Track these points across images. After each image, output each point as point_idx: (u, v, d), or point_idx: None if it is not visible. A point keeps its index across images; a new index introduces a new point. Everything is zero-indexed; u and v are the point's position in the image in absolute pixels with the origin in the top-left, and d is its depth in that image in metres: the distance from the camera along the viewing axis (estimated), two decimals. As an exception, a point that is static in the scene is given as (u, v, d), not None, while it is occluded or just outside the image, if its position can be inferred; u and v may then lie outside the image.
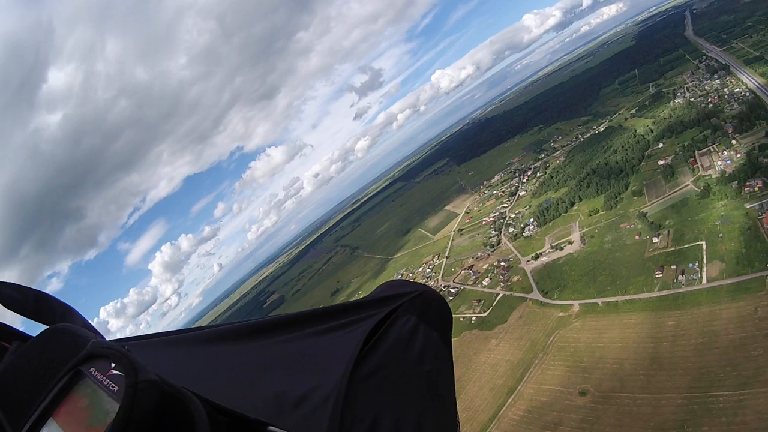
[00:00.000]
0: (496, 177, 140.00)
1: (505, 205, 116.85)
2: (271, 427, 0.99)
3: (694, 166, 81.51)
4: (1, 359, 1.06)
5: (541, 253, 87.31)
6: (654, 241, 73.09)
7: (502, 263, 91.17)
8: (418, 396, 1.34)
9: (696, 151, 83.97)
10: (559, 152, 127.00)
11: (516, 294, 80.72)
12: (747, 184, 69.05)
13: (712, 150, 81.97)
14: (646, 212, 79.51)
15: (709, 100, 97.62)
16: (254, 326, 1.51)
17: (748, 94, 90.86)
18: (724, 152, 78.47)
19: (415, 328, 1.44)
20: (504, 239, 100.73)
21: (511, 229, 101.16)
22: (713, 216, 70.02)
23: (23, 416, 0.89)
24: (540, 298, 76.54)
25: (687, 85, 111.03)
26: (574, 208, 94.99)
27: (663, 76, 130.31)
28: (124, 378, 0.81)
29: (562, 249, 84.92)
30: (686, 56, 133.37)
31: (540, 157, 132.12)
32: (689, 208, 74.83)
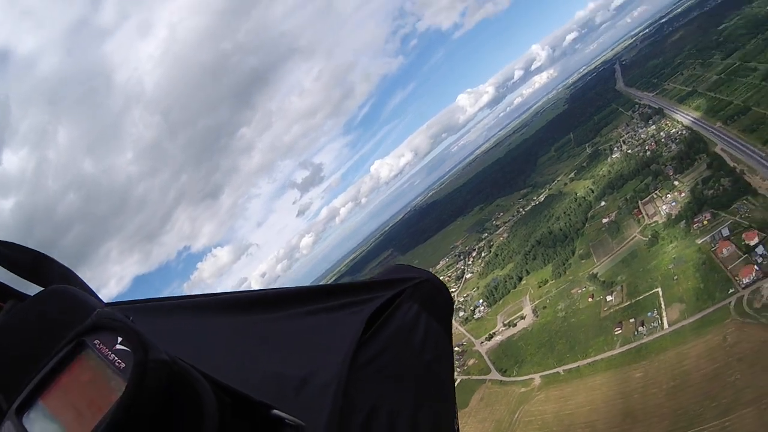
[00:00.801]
0: (441, 262, 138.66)
1: (453, 289, 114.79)
2: (275, 411, 0.97)
3: (639, 216, 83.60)
4: None
5: (494, 333, 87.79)
6: (608, 300, 73.70)
7: (456, 348, 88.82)
8: (418, 386, 1.36)
9: (639, 201, 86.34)
10: (501, 229, 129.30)
11: (474, 377, 79.48)
12: (695, 220, 70.76)
13: (655, 196, 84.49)
14: (596, 273, 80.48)
15: (647, 148, 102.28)
16: (255, 298, 1.51)
17: (684, 132, 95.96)
18: (668, 195, 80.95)
19: (418, 316, 1.45)
20: (455, 324, 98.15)
21: (461, 313, 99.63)
22: (665, 261, 70.99)
23: (17, 383, 0.84)
24: (499, 377, 76.36)
25: (623, 138, 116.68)
26: (523, 282, 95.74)
27: (598, 133, 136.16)
28: (133, 355, 0.77)
29: (515, 325, 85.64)
30: (619, 109, 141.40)
31: (483, 236, 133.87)
32: (639, 259, 76.17)
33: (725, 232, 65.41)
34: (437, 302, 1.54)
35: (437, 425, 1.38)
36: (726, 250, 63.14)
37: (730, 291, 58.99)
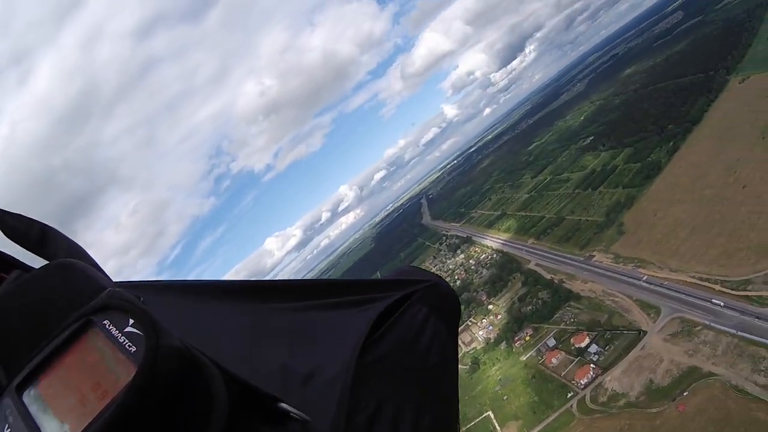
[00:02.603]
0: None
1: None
2: (282, 404, 0.97)
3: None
4: None
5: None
6: (438, 434, 69.45)
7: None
8: (423, 389, 1.40)
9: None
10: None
11: None
12: (516, 338, 74.84)
13: (470, 323, 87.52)
14: (418, 416, 76.84)
15: (456, 277, 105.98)
16: (266, 287, 1.54)
17: (495, 255, 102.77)
18: (483, 320, 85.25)
19: (426, 319, 1.49)
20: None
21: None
22: (491, 383, 72.96)
23: (18, 357, 0.81)
24: None
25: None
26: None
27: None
28: (144, 338, 0.75)
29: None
30: (426, 243, 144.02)
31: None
32: (462, 388, 72.73)
33: (551, 342, 70.60)
34: (446, 307, 1.58)
35: (440, 429, 1.40)
36: (555, 359, 67.69)
37: (569, 395, 62.82)
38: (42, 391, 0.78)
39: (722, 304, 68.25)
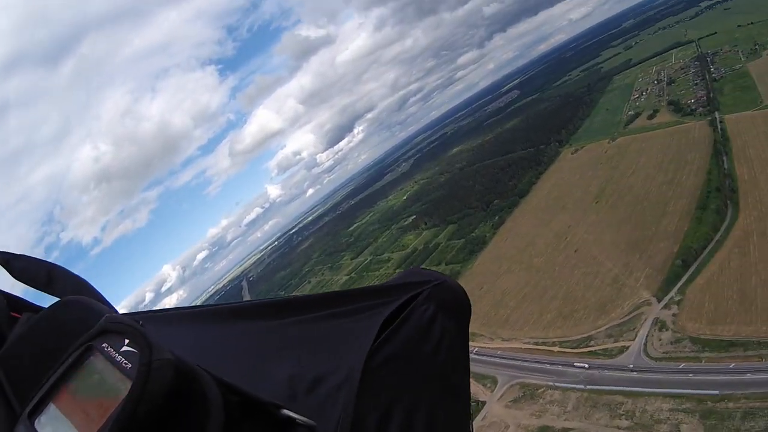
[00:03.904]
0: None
1: None
2: (285, 411, 1.02)
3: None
4: (11, 330, 1.11)
5: None
6: None
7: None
8: (432, 388, 1.41)
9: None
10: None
11: None
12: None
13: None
14: None
15: None
16: (271, 305, 1.57)
17: None
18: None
19: (433, 318, 1.49)
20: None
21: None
22: None
23: (31, 390, 0.91)
24: None
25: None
26: None
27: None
28: (138, 355, 0.83)
29: None
30: None
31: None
32: None
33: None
34: (454, 304, 1.58)
35: (451, 427, 1.43)
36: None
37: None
38: (52, 416, 0.87)
39: (587, 366, 69.66)
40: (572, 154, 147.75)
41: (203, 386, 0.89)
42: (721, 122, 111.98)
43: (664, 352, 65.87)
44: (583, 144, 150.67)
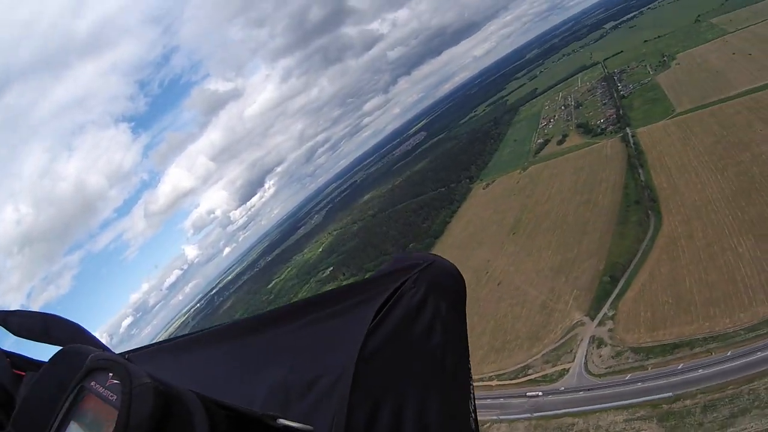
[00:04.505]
0: None
1: None
2: (281, 420, 1.05)
3: None
4: (16, 389, 1.24)
5: None
6: None
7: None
8: (425, 373, 1.41)
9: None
10: None
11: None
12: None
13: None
14: None
15: None
16: (260, 319, 1.58)
17: None
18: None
19: (423, 300, 1.48)
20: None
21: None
22: None
23: None
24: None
25: None
26: None
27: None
28: (120, 385, 0.90)
29: None
30: None
31: None
32: None
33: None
34: (445, 283, 1.56)
35: (448, 413, 1.40)
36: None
37: None
38: None
39: (540, 393, 66.88)
40: (484, 189, 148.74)
41: (187, 404, 0.94)
42: (633, 136, 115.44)
43: (606, 368, 62.90)
44: (494, 177, 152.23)
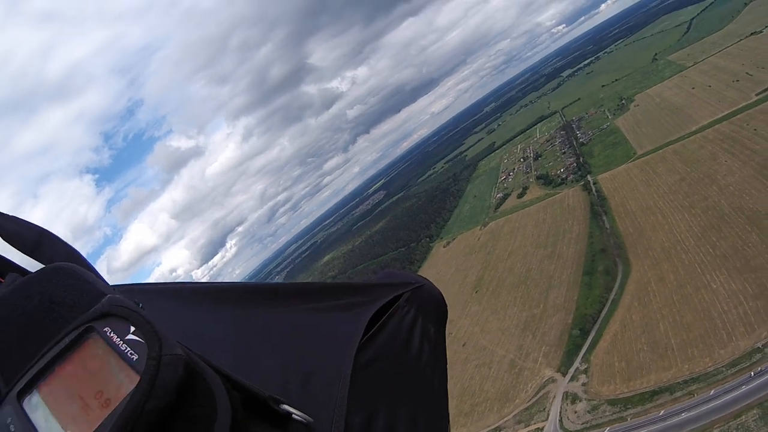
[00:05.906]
0: None
1: None
2: (285, 406, 1.01)
3: None
4: None
5: None
6: None
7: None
8: (415, 390, 1.48)
9: None
10: None
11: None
12: None
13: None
14: None
15: None
16: (263, 290, 1.59)
17: None
18: None
19: (414, 321, 1.58)
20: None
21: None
22: None
23: (18, 365, 0.85)
24: None
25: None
26: None
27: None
28: (146, 347, 0.79)
29: None
30: None
31: None
32: None
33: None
34: (433, 308, 1.67)
35: (433, 427, 1.49)
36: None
37: None
38: (43, 399, 0.80)
39: None
40: (444, 247, 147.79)
41: (211, 383, 0.86)
42: (595, 183, 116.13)
43: (583, 423, 60.22)
44: (454, 235, 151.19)
